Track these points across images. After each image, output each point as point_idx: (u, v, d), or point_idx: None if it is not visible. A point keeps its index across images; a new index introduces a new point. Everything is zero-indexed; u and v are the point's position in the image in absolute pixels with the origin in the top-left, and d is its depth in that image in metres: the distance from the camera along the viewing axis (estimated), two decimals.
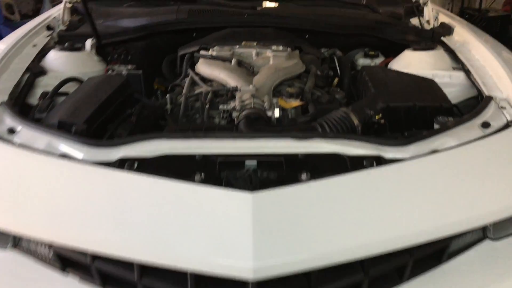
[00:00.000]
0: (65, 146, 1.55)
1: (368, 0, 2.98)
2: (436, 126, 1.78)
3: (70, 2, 2.82)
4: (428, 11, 2.83)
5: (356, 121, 1.78)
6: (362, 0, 2.84)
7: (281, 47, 2.36)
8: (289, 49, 2.37)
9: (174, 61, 2.61)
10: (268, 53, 2.31)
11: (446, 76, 2.19)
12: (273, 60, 2.28)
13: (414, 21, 2.98)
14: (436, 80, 2.15)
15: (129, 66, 2.34)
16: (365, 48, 2.79)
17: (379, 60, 2.67)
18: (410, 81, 2.03)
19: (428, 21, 2.83)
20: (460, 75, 2.18)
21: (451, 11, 6.21)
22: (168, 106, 2.10)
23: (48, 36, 2.53)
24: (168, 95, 2.11)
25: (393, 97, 1.87)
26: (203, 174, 1.39)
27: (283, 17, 2.66)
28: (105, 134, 1.81)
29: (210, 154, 1.49)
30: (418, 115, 1.85)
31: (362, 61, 2.69)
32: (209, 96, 2.07)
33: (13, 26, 4.78)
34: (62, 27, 2.72)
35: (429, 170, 1.47)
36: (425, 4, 2.86)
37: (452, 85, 2.16)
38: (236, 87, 2.03)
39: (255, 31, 2.58)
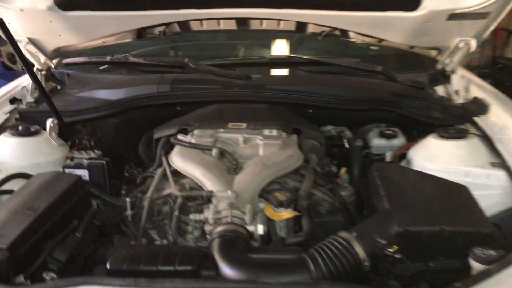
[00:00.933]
0: None
1: (384, 65, 2.53)
2: (472, 263, 1.30)
3: (42, 70, 2.48)
4: (457, 80, 2.37)
5: (362, 253, 1.32)
6: (377, 67, 2.41)
7: (274, 132, 1.94)
8: (284, 134, 1.94)
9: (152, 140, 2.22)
10: (258, 140, 1.89)
11: (482, 176, 1.72)
12: (263, 150, 1.85)
13: (440, 89, 2.53)
14: (470, 180, 1.69)
15: (92, 154, 1.96)
16: (380, 124, 2.35)
17: (397, 142, 2.22)
18: (436, 189, 1.56)
19: (457, 92, 2.37)
20: (500, 175, 1.71)
21: (482, 60, 5.73)
22: (128, 212, 1.69)
23: (7, 113, 2.18)
24: (127, 198, 1.70)
25: (414, 217, 1.41)
26: None
27: (281, 91, 2.24)
28: (36, 260, 1.41)
29: None
30: (447, 243, 1.38)
31: (376, 142, 2.24)
32: (178, 202, 1.65)
33: (12, 77, 4.56)
34: (30, 99, 2.38)
35: None
36: (453, 71, 2.40)
37: (491, 188, 1.70)
38: (212, 192, 1.61)
39: (246, 108, 2.17)
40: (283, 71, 2.68)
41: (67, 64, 2.65)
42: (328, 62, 2.43)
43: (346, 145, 2.20)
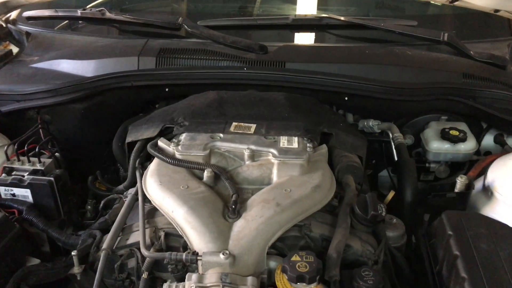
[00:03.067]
0: None
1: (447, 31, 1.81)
2: None
3: None
4: None
5: None
6: (441, 34, 1.71)
7: (295, 141, 1.33)
8: (309, 145, 1.33)
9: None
10: (271, 157, 1.29)
11: None
12: (278, 173, 1.26)
13: None
14: None
15: (37, 164, 1.39)
16: (440, 116, 1.72)
17: (465, 148, 1.60)
18: None
19: None
20: None
21: None
22: (76, 270, 1.15)
23: None
24: (73, 253, 1.16)
25: None
26: None
27: (308, 72, 1.59)
28: None
29: None
30: None
31: (436, 145, 1.62)
32: (147, 263, 1.11)
33: None
34: None
35: None
36: None
37: None
38: (196, 255, 1.05)
39: (256, 99, 1.54)
40: (310, 38, 1.98)
41: (29, 18, 2.04)
42: (376, 26, 1.74)
43: (394, 150, 1.59)
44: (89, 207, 1.54)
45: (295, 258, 1.07)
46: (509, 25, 1.88)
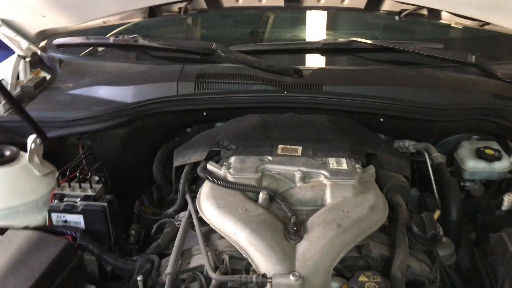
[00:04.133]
0: None
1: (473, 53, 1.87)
2: None
3: (26, 56, 1.89)
4: None
5: None
6: (469, 56, 1.77)
7: (344, 162, 1.36)
8: (358, 166, 1.36)
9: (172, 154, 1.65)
10: (323, 178, 1.32)
11: None
12: (331, 194, 1.28)
13: None
14: None
15: (89, 190, 1.40)
16: (471, 136, 1.76)
17: (500, 166, 1.63)
18: None
19: None
20: None
21: None
22: None
23: None
24: (140, 278, 1.16)
25: None
26: None
27: (347, 95, 1.63)
28: None
29: None
30: None
31: (472, 165, 1.65)
32: (213, 286, 1.12)
33: None
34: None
35: None
36: None
37: None
38: (265, 277, 1.06)
39: (299, 121, 1.58)
40: (341, 62, 2.04)
41: (59, 46, 2.07)
42: (404, 49, 1.80)
43: (430, 170, 1.62)
44: (133, 231, 1.55)
45: (362, 278, 1.09)
46: None
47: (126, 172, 1.72)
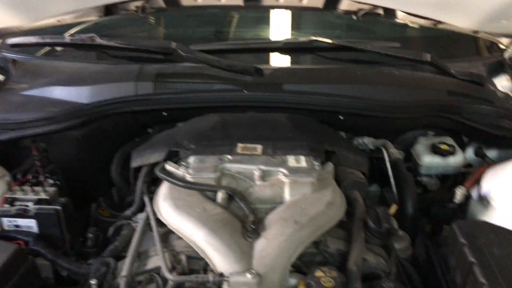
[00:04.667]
0: None
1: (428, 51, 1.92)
2: None
3: None
4: None
5: None
6: (424, 55, 1.81)
7: (303, 160, 1.37)
8: (316, 163, 1.37)
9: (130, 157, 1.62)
10: (281, 176, 1.32)
11: None
12: (290, 192, 1.29)
13: (500, 82, 1.98)
14: None
15: (42, 194, 1.36)
16: (427, 132, 1.81)
17: (455, 161, 1.68)
18: None
19: None
20: None
21: None
22: None
23: None
24: (94, 281, 1.13)
25: None
26: None
27: (307, 93, 1.64)
28: None
29: None
30: None
31: (428, 160, 1.70)
32: (171, 284, 1.10)
33: None
34: None
35: None
36: None
37: None
38: (223, 276, 1.05)
39: (259, 120, 1.58)
40: (301, 60, 2.05)
41: (13, 46, 1.99)
42: (363, 48, 1.83)
43: (388, 166, 1.66)
44: (90, 235, 1.51)
45: (319, 273, 1.09)
46: (485, 45, 2.01)
47: (84, 175, 1.68)
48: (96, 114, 1.62)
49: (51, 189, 1.39)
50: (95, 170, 1.68)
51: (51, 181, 1.44)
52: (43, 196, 1.36)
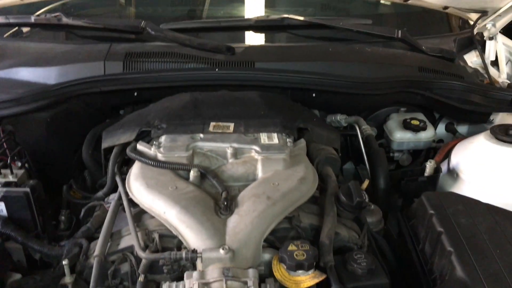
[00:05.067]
0: None
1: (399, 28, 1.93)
2: None
3: None
4: (498, 49, 1.85)
5: None
6: (395, 32, 1.82)
7: (275, 137, 1.37)
8: (289, 140, 1.38)
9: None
10: (254, 153, 1.32)
11: None
12: (263, 169, 1.29)
13: (469, 57, 2.01)
14: None
15: (10, 176, 1.33)
16: (399, 108, 1.84)
17: (426, 136, 1.71)
18: None
19: (495, 64, 1.86)
20: None
21: None
22: (68, 280, 1.12)
23: None
24: (65, 262, 1.12)
25: None
26: None
27: (278, 71, 1.64)
28: None
29: None
30: None
31: (399, 135, 1.73)
32: (143, 266, 1.10)
33: None
34: None
35: None
36: (491, 37, 1.87)
37: None
38: (195, 252, 1.05)
39: (230, 98, 1.57)
40: (274, 38, 2.04)
41: None
42: (335, 25, 1.83)
43: (361, 142, 1.67)
44: (63, 217, 1.49)
45: (291, 247, 1.10)
46: (455, 21, 2.04)
47: (54, 157, 1.65)
48: (63, 95, 1.58)
49: (19, 172, 1.35)
50: (65, 153, 1.65)
51: (19, 164, 1.41)
52: (11, 178, 1.32)
